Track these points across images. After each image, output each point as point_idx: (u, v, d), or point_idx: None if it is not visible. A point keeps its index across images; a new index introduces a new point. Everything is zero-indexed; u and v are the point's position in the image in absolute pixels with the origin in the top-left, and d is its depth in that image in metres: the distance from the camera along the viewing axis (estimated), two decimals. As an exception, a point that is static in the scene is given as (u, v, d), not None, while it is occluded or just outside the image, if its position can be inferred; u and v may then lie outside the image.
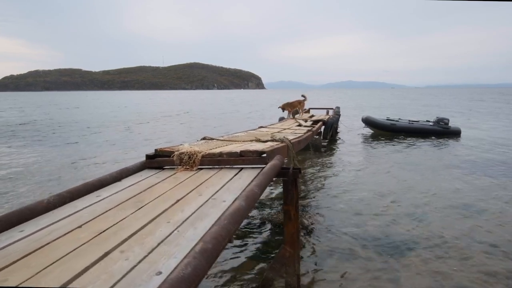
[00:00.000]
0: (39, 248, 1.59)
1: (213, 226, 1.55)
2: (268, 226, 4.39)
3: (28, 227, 1.86)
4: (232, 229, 1.59)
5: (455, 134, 12.40)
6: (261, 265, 3.40)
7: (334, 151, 9.95)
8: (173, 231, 1.70)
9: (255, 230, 4.26)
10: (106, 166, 8.01)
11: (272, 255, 3.63)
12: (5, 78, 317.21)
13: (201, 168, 3.03)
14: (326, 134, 10.89)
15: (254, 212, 4.78)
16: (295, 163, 3.20)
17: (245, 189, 2.35)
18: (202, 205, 2.07)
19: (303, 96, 11.23)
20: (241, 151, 2.99)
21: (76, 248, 1.56)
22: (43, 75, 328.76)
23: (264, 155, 2.94)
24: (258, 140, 4.04)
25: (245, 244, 3.89)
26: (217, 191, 2.34)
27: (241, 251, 3.73)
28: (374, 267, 3.46)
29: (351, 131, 14.20)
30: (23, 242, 1.66)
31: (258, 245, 3.88)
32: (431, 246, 3.94)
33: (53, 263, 1.44)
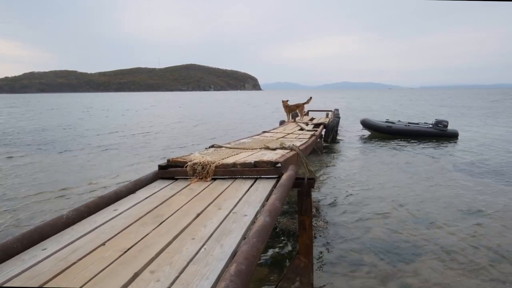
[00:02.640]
0: (67, 268, 1.57)
1: (243, 245, 1.54)
2: (277, 232, 4.39)
3: (50, 244, 1.84)
4: (261, 247, 1.59)
5: (452, 136, 12.47)
6: (274, 275, 3.39)
7: (335, 155, 9.96)
8: (200, 249, 1.69)
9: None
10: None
11: (282, 263, 3.63)
12: (0, 80, 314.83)
13: (215, 179, 3.02)
14: (327, 138, 10.93)
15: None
16: (310, 171, 3.20)
17: (264, 202, 2.35)
18: (223, 220, 2.06)
19: (310, 98, 11.27)
20: (255, 162, 2.98)
21: (104, 269, 1.55)
22: (38, 77, 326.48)
23: (279, 165, 2.94)
24: (267, 148, 4.04)
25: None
26: (236, 204, 2.34)
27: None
28: (384, 275, 3.48)
29: (350, 134, 14.26)
30: (49, 262, 1.65)
31: (270, 253, 3.87)
32: (438, 251, 3.97)
33: (84, 285, 1.43)
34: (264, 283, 3.27)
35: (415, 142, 11.73)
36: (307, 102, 11.15)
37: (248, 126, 18.18)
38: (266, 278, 3.35)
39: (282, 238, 4.26)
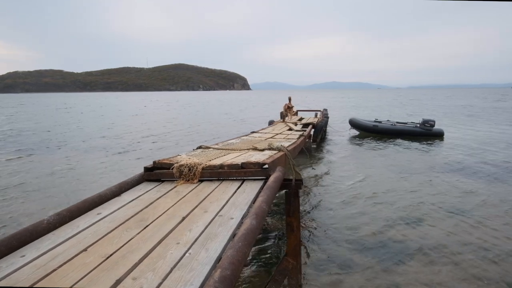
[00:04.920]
0: (46, 276, 1.52)
1: (228, 250, 1.51)
2: (265, 233, 4.37)
3: (30, 251, 1.78)
4: (247, 251, 1.56)
5: (437, 136, 12.68)
6: (262, 276, 3.37)
7: (324, 155, 10.01)
8: (184, 254, 1.65)
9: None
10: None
11: (270, 265, 3.61)
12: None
13: (202, 180, 2.98)
14: (316, 137, 10.96)
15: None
16: (297, 173, 3.19)
17: (251, 204, 2.32)
18: (209, 223, 2.03)
19: (289, 98, 11.22)
20: (242, 163, 2.95)
21: (85, 276, 1.50)
22: (22, 77, 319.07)
23: (266, 166, 2.91)
24: (255, 149, 4.02)
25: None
26: (223, 206, 2.30)
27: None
28: (372, 274, 3.49)
29: (339, 133, 14.35)
30: (27, 269, 1.59)
31: (258, 255, 3.85)
32: (425, 251, 4.01)
33: None
34: (252, 285, 3.25)
35: (402, 142, 11.88)
36: (289, 101, 11.07)
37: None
38: (254, 280, 3.32)
39: (271, 239, 4.24)
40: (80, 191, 6.42)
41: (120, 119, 23.39)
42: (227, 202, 2.39)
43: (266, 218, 4.81)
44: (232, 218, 2.08)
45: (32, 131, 16.45)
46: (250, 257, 3.76)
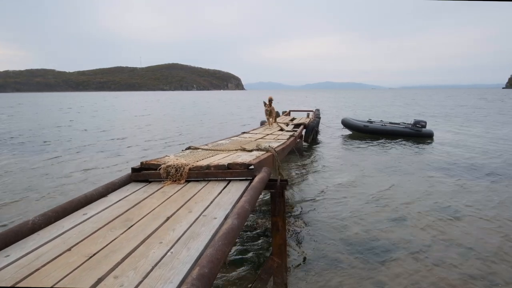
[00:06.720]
0: (29, 275, 1.55)
1: (208, 249, 1.56)
2: (253, 234, 4.42)
3: (14, 251, 1.80)
4: (227, 250, 1.61)
5: (427, 136, 12.86)
6: (248, 275, 3.42)
7: (315, 155, 10.09)
8: (166, 253, 1.69)
9: (239, 239, 4.27)
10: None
11: (254, 263, 3.66)
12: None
13: (189, 181, 3.02)
14: (307, 138, 11.03)
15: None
16: (282, 174, 3.24)
17: (235, 204, 2.36)
18: (193, 223, 2.07)
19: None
20: (229, 164, 2.99)
21: (68, 274, 1.53)
22: (13, 76, 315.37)
23: (252, 167, 2.96)
24: (243, 149, 4.06)
25: (231, 253, 3.90)
26: (207, 207, 2.34)
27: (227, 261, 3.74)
28: (358, 273, 3.56)
29: (331, 133, 14.47)
30: (11, 268, 1.62)
31: (244, 254, 3.90)
32: (411, 249, 4.08)
33: None
34: (238, 284, 3.29)
35: (392, 142, 12.02)
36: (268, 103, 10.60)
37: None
38: (241, 279, 3.37)
39: (257, 238, 4.29)
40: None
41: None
42: (211, 202, 2.44)
43: (255, 218, 4.87)
44: (215, 218, 2.12)
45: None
46: (236, 257, 3.82)
